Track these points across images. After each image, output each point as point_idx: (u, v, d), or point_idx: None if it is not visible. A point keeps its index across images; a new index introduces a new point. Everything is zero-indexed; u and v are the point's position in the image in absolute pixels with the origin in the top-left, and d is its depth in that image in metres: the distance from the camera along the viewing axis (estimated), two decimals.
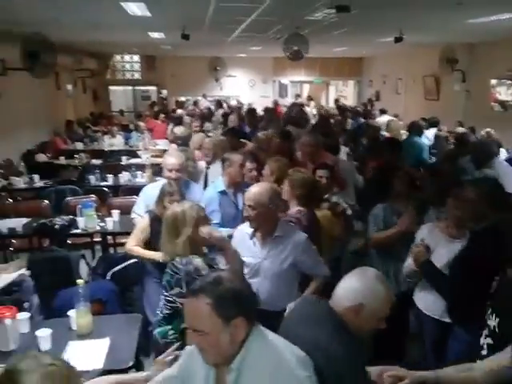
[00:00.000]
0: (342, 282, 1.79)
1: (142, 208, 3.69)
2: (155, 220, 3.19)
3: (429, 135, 8.19)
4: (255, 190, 2.75)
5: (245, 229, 2.83)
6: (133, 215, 3.82)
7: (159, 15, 6.37)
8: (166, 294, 2.43)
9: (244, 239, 2.79)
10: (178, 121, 9.11)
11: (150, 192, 3.61)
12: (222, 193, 3.72)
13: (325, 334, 1.65)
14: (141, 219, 3.48)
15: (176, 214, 2.51)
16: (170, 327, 2.38)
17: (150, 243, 3.20)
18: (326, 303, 1.77)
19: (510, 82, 8.87)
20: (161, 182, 3.67)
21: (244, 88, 16.05)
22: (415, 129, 6.83)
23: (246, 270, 2.76)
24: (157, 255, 2.97)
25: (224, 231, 3.15)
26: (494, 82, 9.32)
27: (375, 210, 3.38)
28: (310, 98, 15.41)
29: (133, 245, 3.28)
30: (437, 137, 8.19)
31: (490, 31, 7.46)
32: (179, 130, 6.64)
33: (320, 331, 1.66)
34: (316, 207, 3.35)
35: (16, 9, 5.62)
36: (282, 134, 5.51)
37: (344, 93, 18.20)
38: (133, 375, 2.12)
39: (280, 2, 5.16)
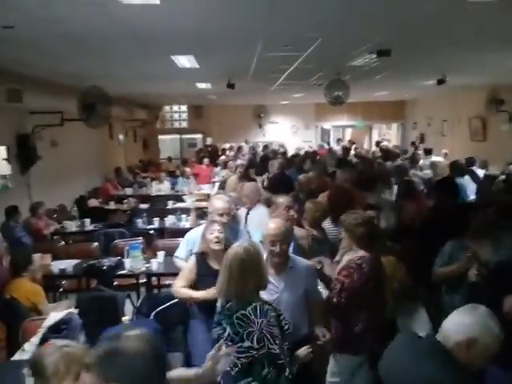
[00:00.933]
0: (451, 318, 1.82)
1: (184, 252, 3.65)
2: (200, 256, 3.21)
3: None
4: (276, 225, 2.81)
5: None
6: (174, 259, 3.76)
7: (206, 67, 6.70)
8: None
9: None
10: (223, 166, 9.38)
11: (194, 236, 3.57)
12: None
13: (435, 369, 1.69)
14: (187, 262, 3.41)
15: (241, 255, 2.38)
16: (251, 379, 2.22)
17: (196, 284, 3.17)
18: (433, 338, 1.80)
19: None
20: (204, 225, 3.54)
21: (286, 134, 16.34)
22: (456, 169, 6.72)
23: None
24: (208, 294, 2.91)
25: None
26: None
27: (446, 246, 3.45)
28: (351, 143, 15.41)
29: (180, 286, 3.19)
30: (486, 176, 7.94)
31: None
32: (223, 173, 6.80)
33: (429, 366, 1.71)
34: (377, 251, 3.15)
35: (72, 62, 6.07)
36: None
37: (387, 136, 18.09)
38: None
39: (322, 49, 5.32)
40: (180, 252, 3.69)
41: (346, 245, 3.06)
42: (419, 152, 11.43)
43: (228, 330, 2.26)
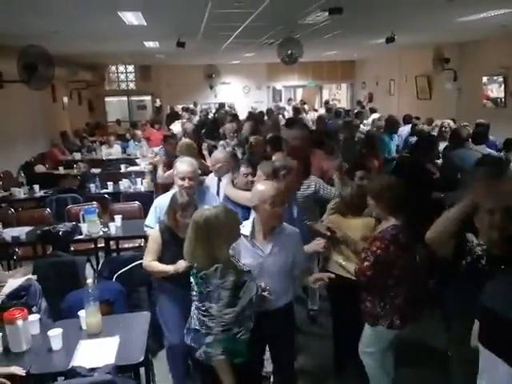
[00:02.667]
0: None
1: (153, 220, 3.41)
2: (166, 232, 3.03)
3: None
4: (263, 188, 2.65)
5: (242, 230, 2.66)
6: (145, 228, 3.51)
7: (155, 24, 6.46)
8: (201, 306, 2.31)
9: (240, 242, 2.61)
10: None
11: (162, 203, 3.32)
12: None
13: None
14: (151, 230, 3.24)
15: (209, 219, 2.30)
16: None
17: (162, 254, 3.04)
18: None
19: (501, 79, 9.01)
20: (172, 192, 3.36)
21: (238, 94, 16.17)
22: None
23: None
24: (179, 266, 2.83)
25: None
26: (485, 79, 9.47)
27: None
28: (303, 103, 15.51)
29: (150, 260, 3.05)
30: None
31: (480, 29, 7.59)
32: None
33: None
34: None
35: (13, 22, 5.69)
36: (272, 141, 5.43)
37: (337, 96, 18.33)
38: None
39: (274, 6, 5.25)
40: (149, 220, 3.46)
41: (376, 213, 2.88)
42: (363, 111, 11.75)
43: (195, 288, 2.35)
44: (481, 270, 2.14)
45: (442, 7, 5.45)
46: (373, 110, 11.67)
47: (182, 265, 2.80)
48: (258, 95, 16.28)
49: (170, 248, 2.97)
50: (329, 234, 3.17)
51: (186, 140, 5.61)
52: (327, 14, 5.45)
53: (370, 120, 10.36)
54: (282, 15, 5.95)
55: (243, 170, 3.72)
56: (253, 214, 2.75)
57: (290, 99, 16.53)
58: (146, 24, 6.30)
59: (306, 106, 14.35)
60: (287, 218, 2.99)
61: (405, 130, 8.28)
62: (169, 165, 5.00)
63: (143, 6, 5.24)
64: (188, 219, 2.56)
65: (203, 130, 8.33)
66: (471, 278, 2.16)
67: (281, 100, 17.57)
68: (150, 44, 8.86)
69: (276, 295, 2.57)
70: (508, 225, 2.04)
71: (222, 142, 6.94)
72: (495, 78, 9.19)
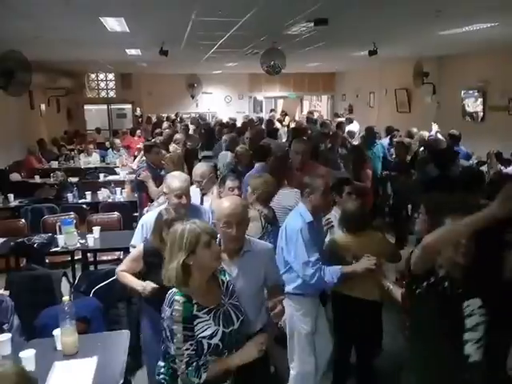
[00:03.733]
0: None
1: (139, 240, 3.12)
2: (151, 253, 2.77)
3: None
4: (230, 204, 2.42)
5: None
6: (130, 249, 3.22)
7: (138, 31, 6.34)
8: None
9: None
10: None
11: (149, 222, 3.03)
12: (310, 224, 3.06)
13: None
14: (134, 249, 3.01)
15: (174, 234, 2.08)
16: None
17: (144, 278, 2.81)
18: None
19: (477, 93, 9.17)
20: (160, 208, 3.07)
21: (220, 104, 16.11)
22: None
23: None
24: (139, 284, 2.68)
25: None
26: (463, 93, 9.63)
27: None
28: (284, 114, 15.58)
29: (121, 269, 2.90)
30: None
31: (459, 44, 7.71)
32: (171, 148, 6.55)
33: None
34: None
35: None
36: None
37: (318, 107, 18.46)
38: None
39: (259, 16, 5.21)
40: (135, 240, 3.16)
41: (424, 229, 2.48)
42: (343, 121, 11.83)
43: None
44: (440, 292, 2.07)
45: (425, 19, 5.49)
46: (350, 121, 11.74)
47: (150, 285, 2.63)
48: (240, 105, 16.26)
49: (156, 271, 2.52)
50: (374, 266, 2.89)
51: (176, 152, 5.45)
52: (312, 24, 5.43)
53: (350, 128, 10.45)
54: (267, 25, 5.92)
55: (229, 183, 3.62)
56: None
57: (272, 110, 16.57)
58: (128, 31, 6.18)
59: (287, 117, 14.39)
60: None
61: (386, 141, 8.38)
62: (156, 178, 4.88)
63: (127, 12, 5.13)
64: None
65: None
66: (429, 299, 2.09)
67: (261, 110, 17.62)
68: (132, 52, 8.72)
69: (247, 321, 2.31)
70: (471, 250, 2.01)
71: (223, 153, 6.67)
72: (473, 92, 9.35)
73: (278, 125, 11.79)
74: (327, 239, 3.39)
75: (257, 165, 5.01)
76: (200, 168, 4.03)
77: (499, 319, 2.00)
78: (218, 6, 4.75)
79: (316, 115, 14.02)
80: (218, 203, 2.55)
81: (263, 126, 10.54)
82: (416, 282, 2.12)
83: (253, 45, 7.70)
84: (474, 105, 9.37)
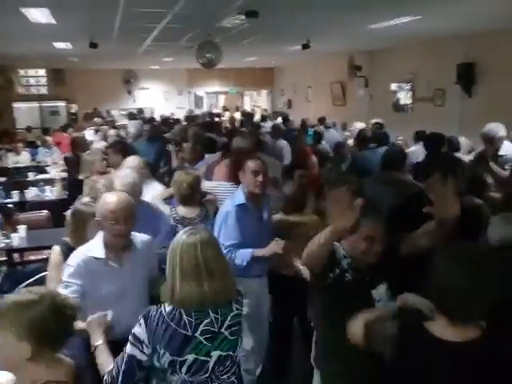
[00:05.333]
0: None
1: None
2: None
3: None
4: (117, 200, 2.31)
5: (88, 253, 2.32)
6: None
7: (65, 23, 6.12)
8: None
9: (93, 267, 2.28)
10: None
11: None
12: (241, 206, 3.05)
13: None
14: (51, 255, 2.70)
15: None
16: None
17: None
18: None
19: (408, 86, 9.64)
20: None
21: (159, 100, 15.84)
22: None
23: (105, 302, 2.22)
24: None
25: None
26: (393, 86, 10.08)
27: None
28: (225, 109, 15.61)
29: (51, 284, 2.52)
30: None
31: (389, 38, 8.07)
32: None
33: None
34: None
35: None
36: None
37: (259, 102, 18.64)
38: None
39: (190, 7, 5.19)
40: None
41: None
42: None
43: None
44: (346, 283, 2.15)
45: (353, 13, 5.70)
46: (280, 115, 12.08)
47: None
48: (179, 101, 16.07)
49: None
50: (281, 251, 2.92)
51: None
52: (244, 17, 5.49)
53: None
54: (198, 17, 5.90)
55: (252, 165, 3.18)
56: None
57: (212, 105, 16.57)
58: (55, 23, 5.96)
59: (227, 113, 14.44)
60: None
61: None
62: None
63: (50, 3, 4.94)
64: None
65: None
66: (337, 290, 2.15)
67: (203, 106, 17.56)
68: (60, 45, 8.39)
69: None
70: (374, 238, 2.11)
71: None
72: (403, 85, 9.82)
73: (217, 119, 11.83)
74: None
75: (207, 156, 4.83)
76: (132, 161, 3.77)
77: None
78: None
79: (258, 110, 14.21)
80: (102, 199, 2.35)
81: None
82: (322, 275, 2.17)
83: (187, 37, 7.65)
84: (405, 97, 9.85)
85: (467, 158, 4.77)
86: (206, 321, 1.76)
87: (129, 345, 1.77)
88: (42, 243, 4.28)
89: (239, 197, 3.08)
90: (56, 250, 2.66)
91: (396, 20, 6.29)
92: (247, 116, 11.14)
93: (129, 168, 3.27)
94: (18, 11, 5.22)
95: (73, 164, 5.51)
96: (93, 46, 7.10)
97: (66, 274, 2.29)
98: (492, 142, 4.35)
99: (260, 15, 5.40)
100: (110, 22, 6.09)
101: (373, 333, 1.69)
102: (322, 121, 9.77)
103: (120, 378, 1.74)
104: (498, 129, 4.33)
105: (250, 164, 3.05)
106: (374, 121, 8.04)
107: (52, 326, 1.53)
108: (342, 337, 1.88)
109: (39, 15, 5.49)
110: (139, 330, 1.75)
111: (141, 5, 5.07)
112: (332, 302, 2.23)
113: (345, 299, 2.11)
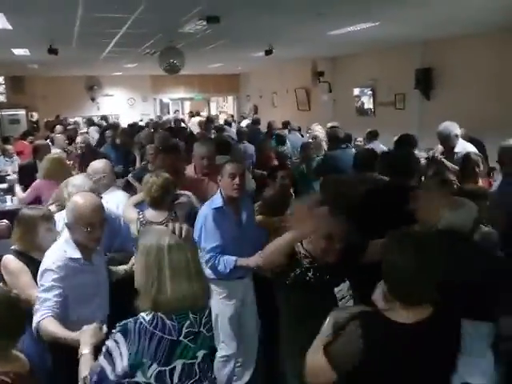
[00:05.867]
0: None
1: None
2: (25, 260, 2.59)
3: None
4: (91, 204, 2.34)
5: (64, 255, 2.33)
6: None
7: (22, 28, 5.98)
8: None
9: (71, 268, 2.32)
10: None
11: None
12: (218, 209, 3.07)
13: None
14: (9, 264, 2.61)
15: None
16: None
17: None
18: None
19: (370, 91, 9.88)
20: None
21: (123, 106, 15.64)
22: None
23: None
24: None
25: None
26: (356, 91, 10.31)
27: None
28: (191, 115, 15.55)
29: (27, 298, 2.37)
30: None
31: (348, 44, 8.25)
32: None
33: None
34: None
35: None
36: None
37: (225, 108, 18.67)
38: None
39: (151, 13, 5.17)
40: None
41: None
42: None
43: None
44: (307, 282, 2.19)
45: (312, 19, 5.80)
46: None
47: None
48: (144, 107, 15.92)
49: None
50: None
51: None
52: (205, 22, 5.50)
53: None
54: (160, 23, 5.88)
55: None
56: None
57: (176, 110, 16.49)
58: (11, 28, 5.81)
59: (192, 119, 14.42)
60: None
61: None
62: None
63: (5, 7, 4.81)
64: None
65: None
66: (299, 289, 2.19)
67: (169, 112, 17.48)
68: (19, 51, 8.18)
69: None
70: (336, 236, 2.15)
71: None
72: (365, 90, 10.06)
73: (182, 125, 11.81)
74: None
75: None
76: (97, 164, 3.71)
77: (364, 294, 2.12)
78: (105, 1, 4.65)
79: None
80: (73, 203, 2.35)
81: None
82: (283, 274, 2.20)
83: (150, 43, 7.60)
84: (368, 102, 10.09)
85: (423, 155, 5.00)
86: (187, 323, 1.73)
87: (102, 357, 1.69)
88: (1, 253, 4.13)
89: (217, 200, 3.08)
90: (11, 257, 2.60)
91: (354, 26, 6.44)
92: (208, 121, 11.18)
93: (82, 175, 3.23)
94: None
95: (30, 171, 5.36)
96: (52, 51, 6.95)
97: (47, 278, 2.26)
98: (447, 140, 4.54)
99: (222, 20, 5.43)
100: (69, 27, 5.99)
101: (335, 349, 1.67)
102: (286, 125, 9.96)
103: None
104: (452, 127, 4.53)
105: (228, 167, 3.06)
106: (329, 124, 8.34)
107: (5, 321, 1.55)
108: (305, 337, 1.90)
109: None
110: (113, 345, 1.66)
111: (100, 10, 5.01)
112: (295, 301, 2.25)
113: (307, 298, 2.15)
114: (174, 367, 1.71)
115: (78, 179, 3.17)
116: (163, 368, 1.68)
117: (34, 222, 2.60)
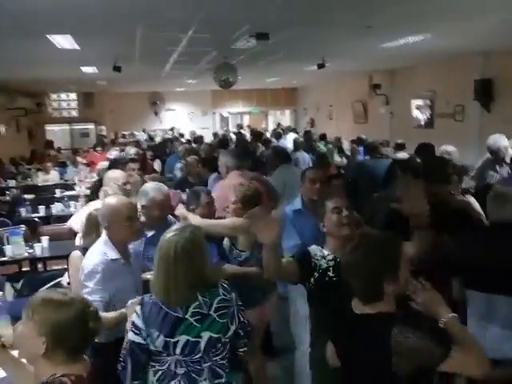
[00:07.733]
0: None
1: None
2: None
3: None
4: (123, 199, 2.68)
5: (105, 256, 2.48)
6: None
7: (88, 48, 6.47)
8: None
9: (112, 270, 2.47)
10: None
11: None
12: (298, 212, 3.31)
13: None
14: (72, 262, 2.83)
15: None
16: None
17: None
18: None
19: (428, 102, 9.63)
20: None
21: (184, 121, 16.29)
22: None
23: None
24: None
25: None
26: (414, 103, 10.08)
27: None
28: (250, 128, 15.88)
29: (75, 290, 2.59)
30: None
31: (405, 56, 8.12)
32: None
33: None
34: None
35: None
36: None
37: (282, 122, 18.84)
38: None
39: (203, 32, 5.43)
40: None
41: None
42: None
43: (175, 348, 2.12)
44: (328, 282, 2.20)
45: (362, 32, 5.81)
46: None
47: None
48: (204, 121, 16.48)
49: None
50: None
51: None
52: (255, 39, 5.68)
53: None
54: (213, 40, 6.14)
55: (204, 199, 3.31)
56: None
57: (238, 125, 16.89)
58: (79, 48, 6.30)
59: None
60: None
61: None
62: None
63: (72, 30, 5.26)
64: None
65: None
66: (319, 292, 2.21)
67: (228, 126, 17.95)
68: (87, 69, 8.83)
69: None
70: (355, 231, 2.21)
71: None
72: (423, 101, 9.81)
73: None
74: None
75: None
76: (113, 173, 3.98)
77: None
78: (163, 19, 4.94)
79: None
80: (108, 204, 2.58)
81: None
82: (301, 282, 2.26)
83: (206, 60, 7.93)
84: (426, 113, 9.83)
85: None
86: (195, 303, 1.93)
87: (130, 333, 1.95)
88: (63, 253, 4.47)
89: (297, 203, 3.35)
90: (77, 253, 2.77)
91: (406, 39, 6.36)
92: (256, 134, 11.47)
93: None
94: (45, 38, 5.57)
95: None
96: (116, 69, 7.45)
97: (92, 281, 2.41)
98: (497, 152, 4.55)
99: (271, 37, 5.58)
100: (130, 46, 6.39)
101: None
102: (322, 137, 10.49)
103: (129, 367, 1.93)
104: (501, 140, 4.45)
105: (308, 173, 3.39)
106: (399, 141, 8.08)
107: (73, 334, 1.55)
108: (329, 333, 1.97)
109: (64, 41, 5.83)
110: (136, 317, 1.95)
111: (156, 29, 5.33)
112: (319, 302, 2.29)
113: (329, 298, 2.16)
114: (178, 341, 1.91)
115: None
116: (168, 339, 1.91)
117: (97, 221, 2.76)
